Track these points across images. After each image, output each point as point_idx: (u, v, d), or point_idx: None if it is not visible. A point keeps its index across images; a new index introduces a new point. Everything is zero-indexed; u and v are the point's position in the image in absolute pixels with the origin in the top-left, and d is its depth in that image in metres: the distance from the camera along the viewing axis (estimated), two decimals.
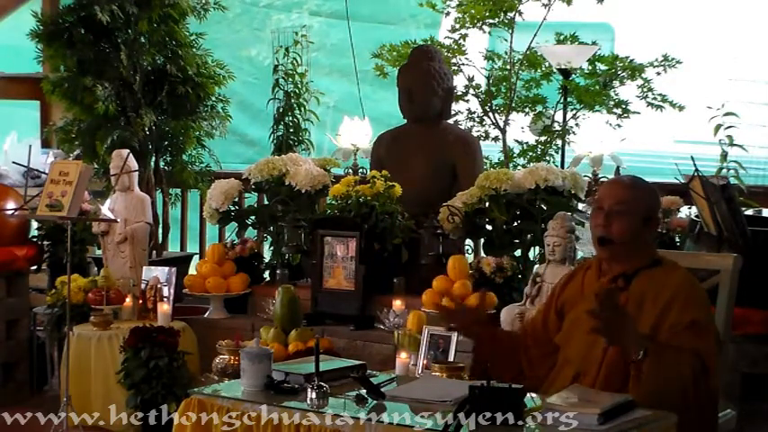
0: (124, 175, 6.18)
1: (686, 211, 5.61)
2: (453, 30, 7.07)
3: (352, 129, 6.57)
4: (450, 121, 6.58)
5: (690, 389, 3.43)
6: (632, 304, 3.59)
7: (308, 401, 3.44)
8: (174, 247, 7.47)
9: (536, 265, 5.55)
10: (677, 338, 3.50)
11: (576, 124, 6.85)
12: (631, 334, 3.43)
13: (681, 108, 6.81)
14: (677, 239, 5.47)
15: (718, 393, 3.58)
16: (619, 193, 3.69)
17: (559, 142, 6.79)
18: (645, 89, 6.81)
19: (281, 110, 7.55)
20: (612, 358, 3.57)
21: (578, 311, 3.71)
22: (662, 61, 6.79)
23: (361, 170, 6.36)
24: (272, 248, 6.41)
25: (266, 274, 6.38)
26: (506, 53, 7.05)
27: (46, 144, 7.84)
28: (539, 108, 7.00)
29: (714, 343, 3.56)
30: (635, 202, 3.67)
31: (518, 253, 5.80)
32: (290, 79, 7.55)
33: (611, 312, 3.40)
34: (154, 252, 6.88)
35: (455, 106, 6.86)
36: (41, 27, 6.88)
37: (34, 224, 6.80)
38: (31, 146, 6.37)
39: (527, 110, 7.01)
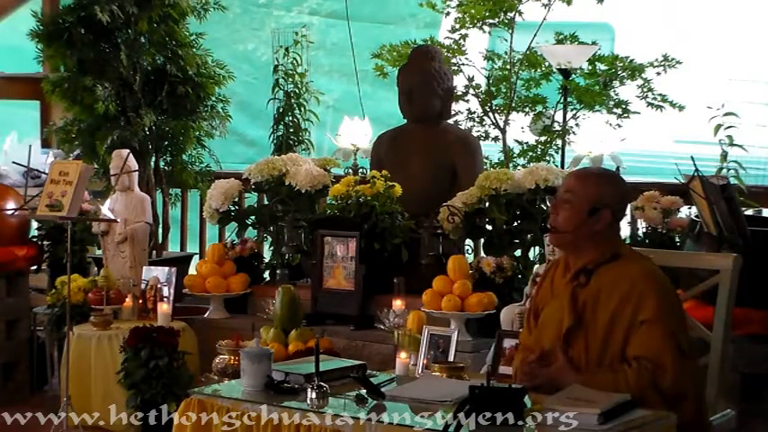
0: (124, 175, 6.18)
1: (686, 211, 5.61)
2: (453, 30, 7.06)
3: (352, 129, 6.56)
4: (451, 121, 6.57)
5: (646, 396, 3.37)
6: (590, 302, 3.54)
7: (308, 401, 3.44)
8: (174, 247, 7.46)
9: (536, 265, 5.55)
10: (633, 338, 3.44)
11: (576, 124, 6.84)
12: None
13: (681, 108, 6.80)
14: (677, 239, 5.47)
15: (680, 395, 3.44)
16: (569, 181, 3.67)
17: (559, 142, 6.78)
18: (645, 89, 6.80)
19: (281, 110, 7.55)
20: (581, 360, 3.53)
21: (548, 311, 3.67)
22: (662, 61, 6.78)
23: (361, 170, 6.35)
24: (272, 248, 6.41)
25: (266, 274, 6.38)
26: (506, 53, 7.05)
27: (46, 144, 7.84)
28: (539, 108, 6.99)
29: (668, 341, 3.44)
30: (581, 191, 3.59)
31: (518, 253, 5.80)
32: (290, 79, 7.55)
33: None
34: (154, 252, 6.88)
35: (455, 106, 6.85)
36: (41, 27, 6.88)
37: (34, 224, 6.81)
38: (31, 146, 6.38)
39: (527, 110, 7.00)
